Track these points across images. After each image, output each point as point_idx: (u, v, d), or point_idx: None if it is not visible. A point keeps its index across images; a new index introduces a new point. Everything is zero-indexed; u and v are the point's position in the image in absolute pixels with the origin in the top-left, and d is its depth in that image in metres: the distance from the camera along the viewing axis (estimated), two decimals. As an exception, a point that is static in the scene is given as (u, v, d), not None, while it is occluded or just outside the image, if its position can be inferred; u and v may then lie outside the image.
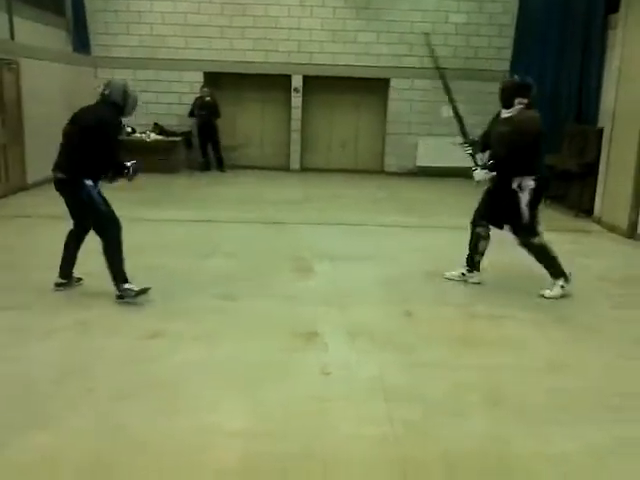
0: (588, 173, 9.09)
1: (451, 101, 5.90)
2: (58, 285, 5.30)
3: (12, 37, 9.94)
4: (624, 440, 3.19)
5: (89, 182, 4.97)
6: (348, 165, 14.46)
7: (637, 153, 7.76)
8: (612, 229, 8.23)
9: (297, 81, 13.84)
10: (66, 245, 5.31)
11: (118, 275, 5.00)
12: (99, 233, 5.10)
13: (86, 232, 5.27)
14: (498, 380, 3.83)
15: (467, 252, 5.80)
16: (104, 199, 5.14)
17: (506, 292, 5.61)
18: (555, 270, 5.47)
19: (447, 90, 5.90)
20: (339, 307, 5.03)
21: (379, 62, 13.76)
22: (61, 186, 5.05)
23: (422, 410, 3.40)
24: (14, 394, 3.50)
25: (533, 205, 5.36)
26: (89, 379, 3.68)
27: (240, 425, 3.21)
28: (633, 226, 7.83)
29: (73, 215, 5.23)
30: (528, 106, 5.43)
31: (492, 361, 4.11)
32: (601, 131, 8.93)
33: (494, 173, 5.37)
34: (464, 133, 5.72)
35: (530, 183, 5.29)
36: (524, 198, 5.31)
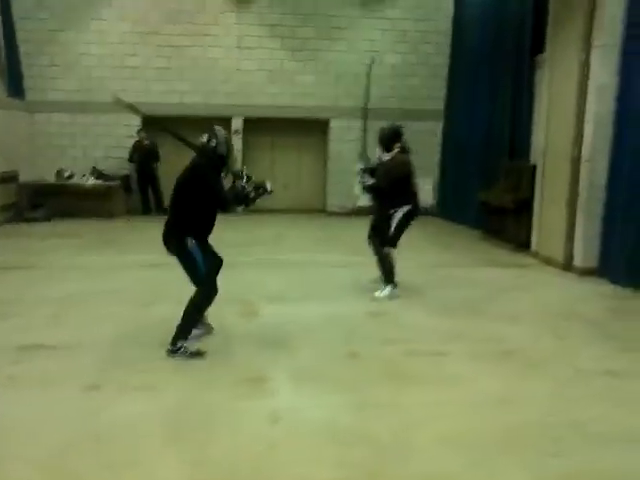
0: (523, 208, 9.37)
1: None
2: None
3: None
4: (568, 470, 3.24)
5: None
6: (291, 205, 14.52)
7: (569, 188, 8.04)
8: (549, 262, 8.47)
9: (237, 123, 13.91)
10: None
11: (184, 331, 4.82)
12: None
13: None
14: (444, 417, 3.85)
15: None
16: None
17: (444, 328, 5.67)
18: (388, 278, 6.65)
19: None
20: (286, 350, 4.99)
21: (317, 103, 13.97)
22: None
23: (372, 451, 3.38)
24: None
25: (401, 225, 6.57)
26: (26, 436, 3.52)
27: (187, 476, 3.12)
28: (568, 259, 8.07)
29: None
30: (402, 149, 6.66)
31: (438, 398, 4.13)
32: (534, 167, 9.25)
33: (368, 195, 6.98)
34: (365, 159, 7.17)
35: (404, 208, 6.54)
36: (397, 217, 6.54)
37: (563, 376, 4.57)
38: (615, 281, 7.37)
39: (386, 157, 6.68)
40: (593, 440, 3.57)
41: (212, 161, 5.01)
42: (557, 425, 3.75)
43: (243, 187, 5.07)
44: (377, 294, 6.63)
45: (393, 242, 6.64)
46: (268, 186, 5.21)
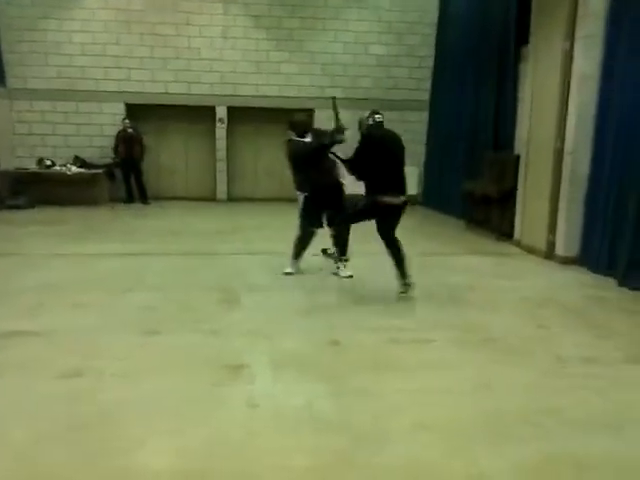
0: (507, 198, 9.40)
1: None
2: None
3: None
4: (546, 456, 3.24)
5: None
6: (275, 194, 14.48)
7: (551, 178, 8.08)
8: (531, 251, 8.51)
9: (221, 112, 13.85)
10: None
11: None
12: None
13: None
14: (424, 404, 3.84)
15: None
16: None
17: (428, 315, 5.69)
18: (294, 252, 7.10)
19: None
20: (266, 338, 4.97)
21: (302, 93, 13.95)
22: (401, 209, 6.02)
23: (350, 438, 3.37)
24: None
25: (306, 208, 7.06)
26: (3, 424, 3.48)
27: (167, 464, 3.09)
28: (551, 248, 8.12)
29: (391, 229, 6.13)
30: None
31: (418, 385, 4.13)
32: (518, 158, 9.27)
33: None
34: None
35: (299, 193, 7.09)
36: (300, 202, 7.11)
37: (543, 363, 4.59)
38: (596, 270, 7.43)
39: (306, 138, 7.01)
40: (571, 426, 3.58)
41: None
42: (536, 412, 3.76)
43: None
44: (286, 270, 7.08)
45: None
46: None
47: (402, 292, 6.11)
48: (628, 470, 3.14)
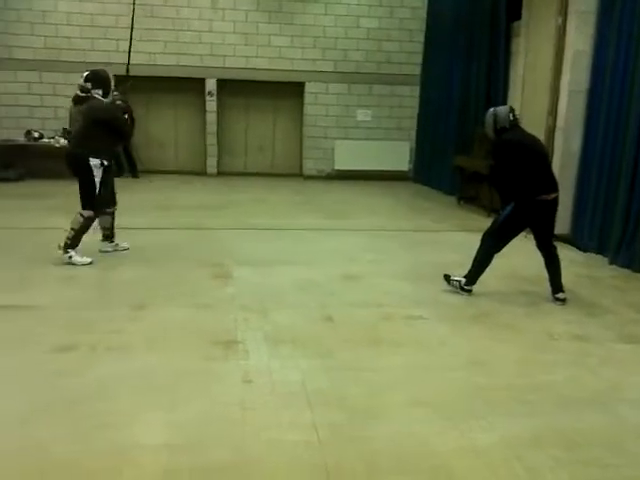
0: (498, 174, 9.38)
1: None
2: None
3: None
4: (536, 431, 3.28)
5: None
6: (266, 169, 14.42)
7: (542, 154, 8.06)
8: (522, 228, 8.51)
9: (211, 85, 13.70)
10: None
11: None
12: None
13: None
14: (417, 380, 3.88)
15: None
16: None
17: (419, 292, 5.72)
18: (74, 242, 6.25)
19: None
20: (259, 313, 4.97)
21: (293, 66, 13.82)
22: (556, 205, 5.56)
23: (345, 413, 3.39)
24: None
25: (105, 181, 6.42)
26: (-5, 399, 3.47)
27: (161, 439, 3.10)
28: (541, 225, 8.12)
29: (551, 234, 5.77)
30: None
31: (411, 361, 4.16)
32: (509, 134, 9.22)
33: None
34: None
35: (97, 162, 6.21)
36: (98, 174, 6.24)
37: (533, 340, 4.63)
38: (587, 248, 7.47)
39: (110, 99, 6.52)
40: (560, 402, 3.63)
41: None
42: (526, 387, 3.80)
43: None
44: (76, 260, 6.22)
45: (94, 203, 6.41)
46: None
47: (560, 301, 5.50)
48: (615, 447, 3.18)
